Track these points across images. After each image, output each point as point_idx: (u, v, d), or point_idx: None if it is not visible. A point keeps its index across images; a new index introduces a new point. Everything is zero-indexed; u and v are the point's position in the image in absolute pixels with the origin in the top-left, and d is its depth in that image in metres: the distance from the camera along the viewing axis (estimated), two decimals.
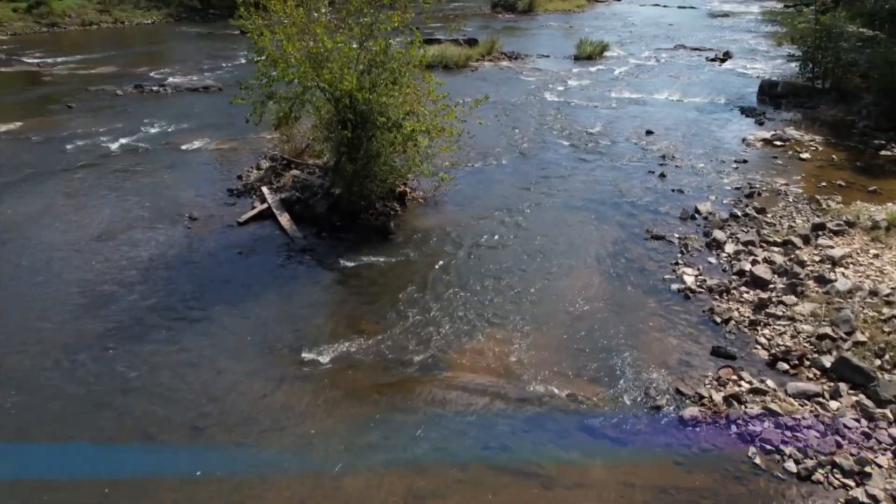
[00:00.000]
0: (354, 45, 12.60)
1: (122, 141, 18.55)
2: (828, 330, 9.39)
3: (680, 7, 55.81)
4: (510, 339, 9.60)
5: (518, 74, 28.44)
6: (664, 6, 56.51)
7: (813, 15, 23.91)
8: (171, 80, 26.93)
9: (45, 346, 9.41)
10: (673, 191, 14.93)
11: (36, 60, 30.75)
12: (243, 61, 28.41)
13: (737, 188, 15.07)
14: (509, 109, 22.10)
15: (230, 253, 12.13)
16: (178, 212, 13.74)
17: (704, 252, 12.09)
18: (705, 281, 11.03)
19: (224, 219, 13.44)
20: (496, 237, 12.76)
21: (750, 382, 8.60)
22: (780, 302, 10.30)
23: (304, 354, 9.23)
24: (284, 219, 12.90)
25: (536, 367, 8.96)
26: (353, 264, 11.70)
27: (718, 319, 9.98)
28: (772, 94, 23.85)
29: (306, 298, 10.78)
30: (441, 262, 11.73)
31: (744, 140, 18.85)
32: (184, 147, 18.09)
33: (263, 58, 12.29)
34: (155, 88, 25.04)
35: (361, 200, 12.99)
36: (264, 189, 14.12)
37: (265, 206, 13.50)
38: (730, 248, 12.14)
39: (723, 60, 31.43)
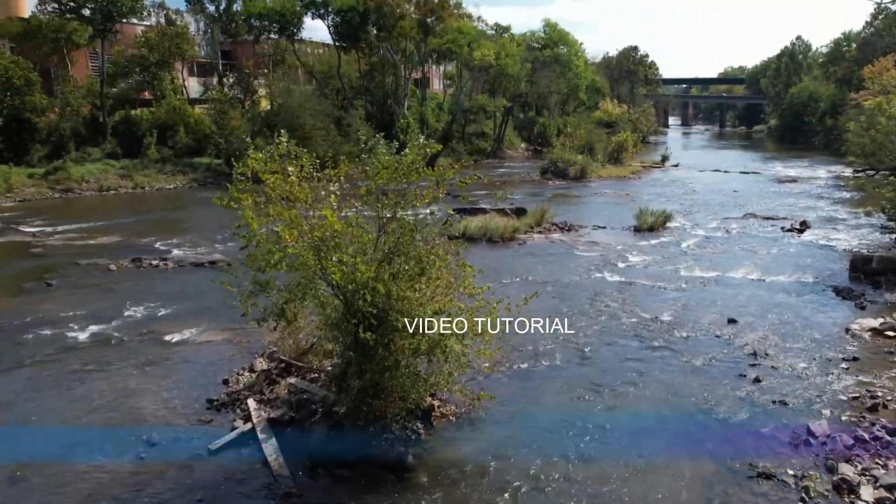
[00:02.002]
0: (372, 227, 11.11)
1: (94, 329, 17.24)
2: None
3: (742, 172, 55.89)
4: None
5: (572, 249, 27.06)
6: (725, 171, 56.67)
7: None
8: (175, 252, 26.17)
9: None
10: (773, 402, 13.03)
11: (34, 229, 30.58)
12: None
13: (854, 397, 13.22)
14: (562, 292, 20.55)
15: (187, 501, 9.91)
16: (136, 432, 11.85)
17: (833, 499, 9.91)
18: None
19: (193, 443, 11.47)
20: (550, 477, 10.54)
21: None
22: None
23: None
24: (270, 447, 10.93)
25: None
26: None
27: None
28: (866, 270, 22.28)
29: None
30: None
31: (847, 330, 17.00)
32: (167, 338, 16.65)
33: (253, 245, 10.35)
34: (154, 262, 24.07)
35: (371, 425, 10.78)
36: (251, 402, 12.37)
37: (248, 426, 11.62)
38: (867, 493, 9.98)
39: (801, 231, 30.13)
